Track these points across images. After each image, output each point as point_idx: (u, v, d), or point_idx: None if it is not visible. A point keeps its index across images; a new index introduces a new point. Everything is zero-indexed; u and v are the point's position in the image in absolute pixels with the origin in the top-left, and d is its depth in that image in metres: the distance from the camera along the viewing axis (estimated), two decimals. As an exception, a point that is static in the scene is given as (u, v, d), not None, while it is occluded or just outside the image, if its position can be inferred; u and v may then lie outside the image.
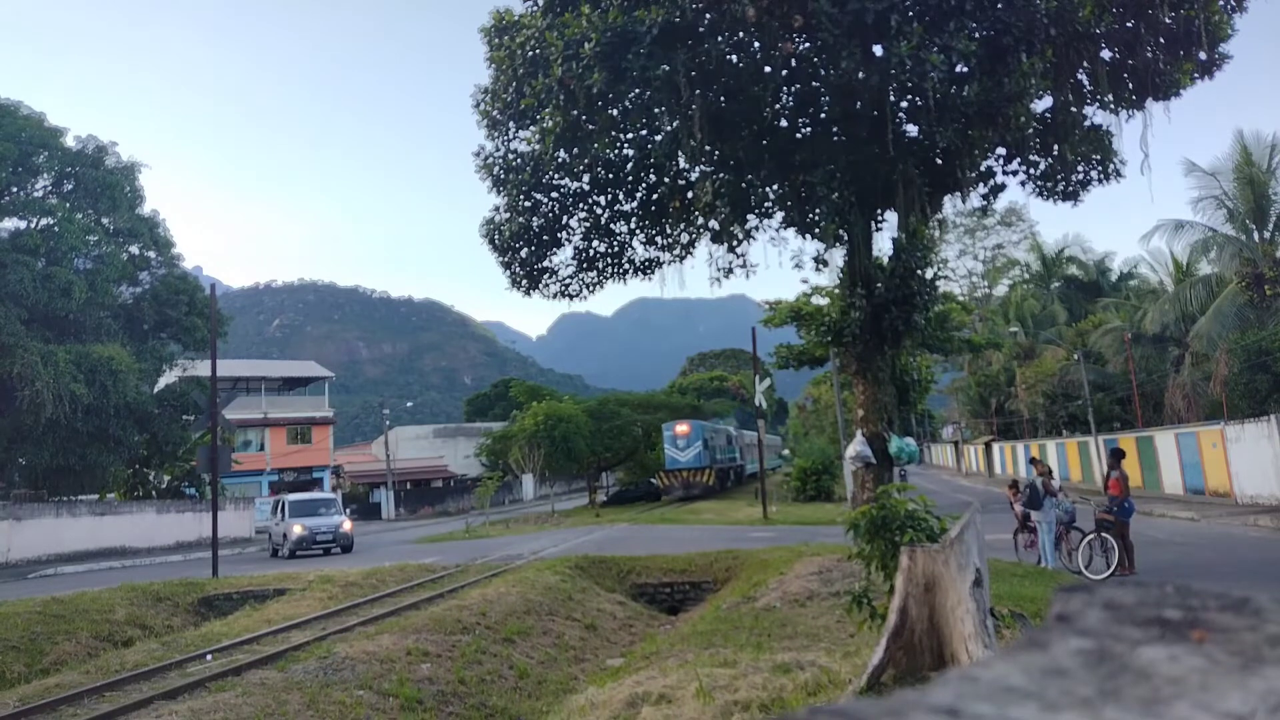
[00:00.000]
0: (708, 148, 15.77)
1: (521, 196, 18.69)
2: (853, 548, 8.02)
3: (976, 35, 13.26)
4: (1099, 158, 17.40)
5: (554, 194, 19.03)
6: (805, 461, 41.59)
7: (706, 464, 46.10)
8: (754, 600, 12.33)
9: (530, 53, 15.37)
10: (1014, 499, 15.78)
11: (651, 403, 59.52)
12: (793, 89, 16.04)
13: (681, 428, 46.88)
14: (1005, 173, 17.90)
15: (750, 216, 18.12)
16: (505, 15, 17.31)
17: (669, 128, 16.07)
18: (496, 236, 19.29)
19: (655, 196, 19.01)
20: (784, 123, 16.79)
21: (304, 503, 29.76)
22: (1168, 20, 14.68)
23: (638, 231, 19.86)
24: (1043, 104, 15.84)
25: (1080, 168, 17.52)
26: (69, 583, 21.23)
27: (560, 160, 17.62)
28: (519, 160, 18.55)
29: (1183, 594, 0.68)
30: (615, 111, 15.91)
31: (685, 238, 19.77)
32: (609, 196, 19.26)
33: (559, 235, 19.53)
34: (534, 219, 19.00)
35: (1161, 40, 15.11)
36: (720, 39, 14.66)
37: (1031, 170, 17.70)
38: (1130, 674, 0.58)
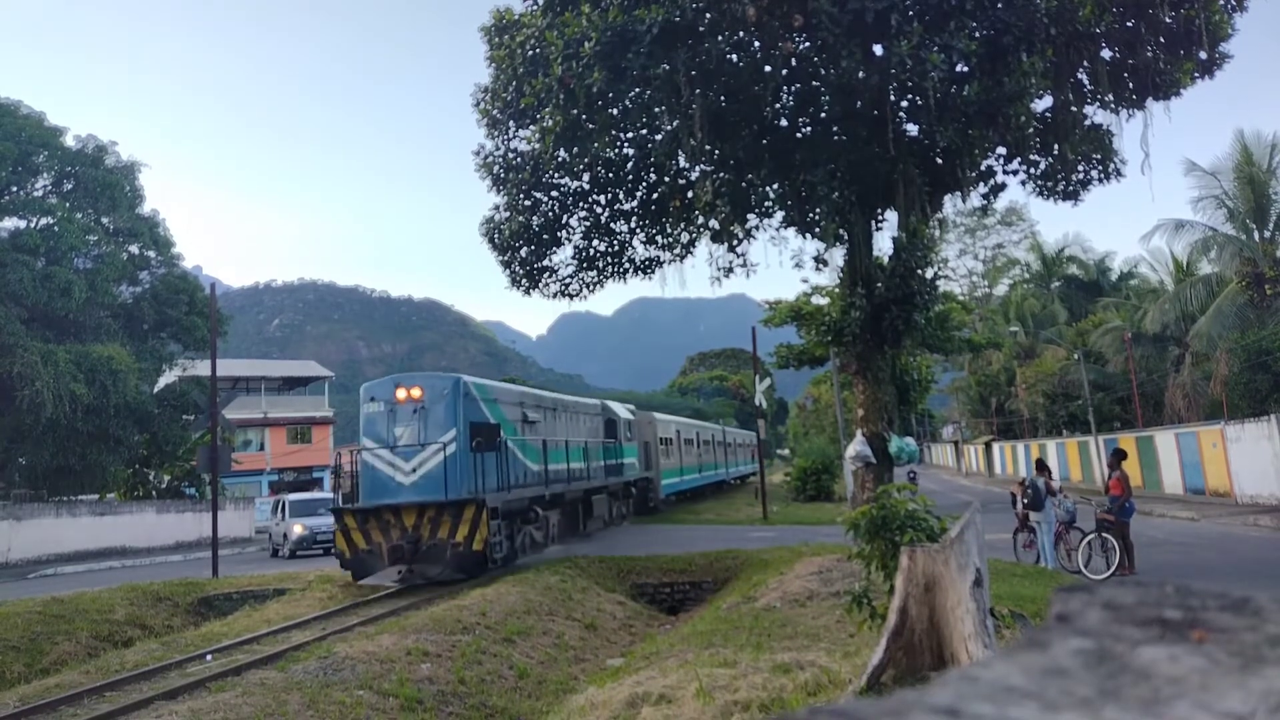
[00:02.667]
0: (708, 147, 15.78)
1: (521, 195, 18.72)
2: (853, 548, 8.02)
3: (976, 35, 13.26)
4: (1099, 157, 17.42)
5: (554, 193, 19.06)
6: (805, 461, 41.48)
7: (468, 493, 16.25)
8: (754, 600, 12.32)
9: (530, 52, 15.38)
10: (1022, 495, 15.78)
11: (651, 403, 59.40)
12: (793, 89, 16.05)
13: (409, 391, 16.99)
14: (1005, 172, 17.93)
15: (750, 216, 18.14)
16: (505, 14, 17.33)
17: (669, 127, 16.08)
18: (496, 235, 19.31)
19: (655, 196, 19.03)
20: (784, 122, 16.80)
21: (304, 502, 29.76)
22: (1168, 20, 14.69)
23: (638, 231, 19.89)
24: (1043, 104, 15.87)
25: (1080, 167, 17.54)
26: (69, 583, 21.23)
27: (560, 159, 17.64)
28: (519, 159, 18.57)
29: (1183, 594, 0.68)
30: (615, 111, 15.92)
31: (685, 237, 19.79)
32: (609, 196, 19.28)
33: (559, 234, 19.56)
34: (534, 218, 19.02)
35: (1161, 40, 15.12)
36: (720, 39, 14.66)
37: (1031, 170, 17.71)
38: (1130, 674, 0.58)
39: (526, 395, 21.06)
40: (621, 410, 28.38)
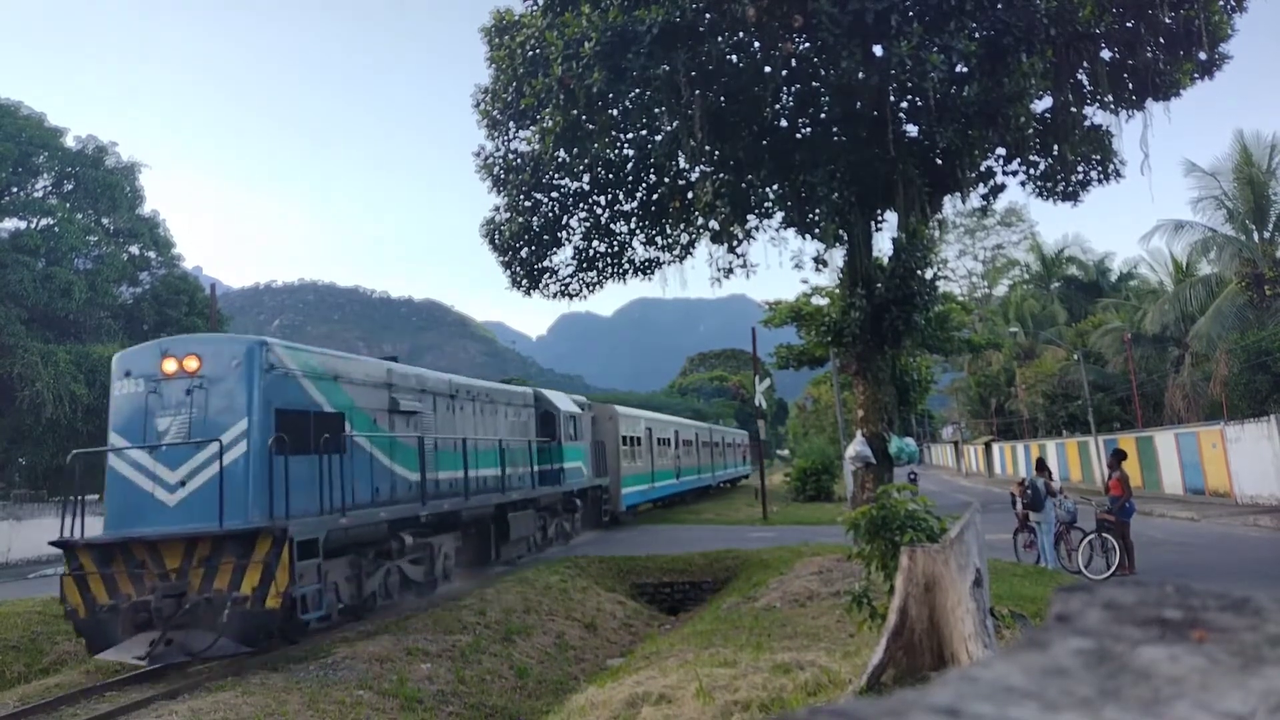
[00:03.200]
0: (708, 148, 15.79)
1: (522, 196, 18.73)
2: (853, 548, 8.02)
3: (976, 35, 13.27)
4: (1099, 158, 17.42)
5: (554, 194, 19.07)
6: (805, 462, 41.44)
7: (262, 517, 10.76)
8: (754, 600, 12.33)
9: (530, 52, 15.39)
10: (1022, 495, 15.81)
11: (651, 403, 59.26)
12: (793, 89, 16.05)
13: (180, 361, 11.28)
14: (1005, 173, 17.93)
15: (750, 216, 18.14)
16: (505, 15, 17.34)
17: (669, 128, 16.08)
18: (497, 236, 19.31)
19: (655, 196, 19.03)
20: (784, 123, 16.81)
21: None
22: (1168, 20, 14.70)
23: (638, 231, 19.89)
24: (1043, 104, 15.88)
25: (1080, 168, 17.55)
26: (69, 583, 21.20)
27: (560, 160, 17.64)
28: (519, 160, 18.58)
29: (1183, 594, 0.68)
30: (615, 111, 15.93)
31: (685, 238, 19.79)
32: (609, 196, 19.29)
33: (559, 235, 19.56)
34: (534, 219, 19.03)
35: (1161, 40, 15.13)
36: (720, 39, 14.67)
37: (1031, 170, 17.72)
38: (1130, 674, 0.58)
39: (399, 375, 14.80)
40: (564, 401, 22.76)
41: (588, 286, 20.32)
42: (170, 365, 11.29)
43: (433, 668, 10.20)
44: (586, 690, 8.47)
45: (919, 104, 14.61)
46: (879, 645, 5.61)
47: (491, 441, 17.50)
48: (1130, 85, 15.81)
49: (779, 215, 18.01)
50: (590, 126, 15.66)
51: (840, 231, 16.59)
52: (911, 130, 15.97)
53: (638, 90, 14.90)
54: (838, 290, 19.69)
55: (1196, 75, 15.55)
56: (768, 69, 15.26)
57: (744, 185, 17.09)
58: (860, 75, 14.63)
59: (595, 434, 25.10)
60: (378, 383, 13.98)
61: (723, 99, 15.53)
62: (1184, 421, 33.08)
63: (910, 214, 16.00)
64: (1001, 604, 8.29)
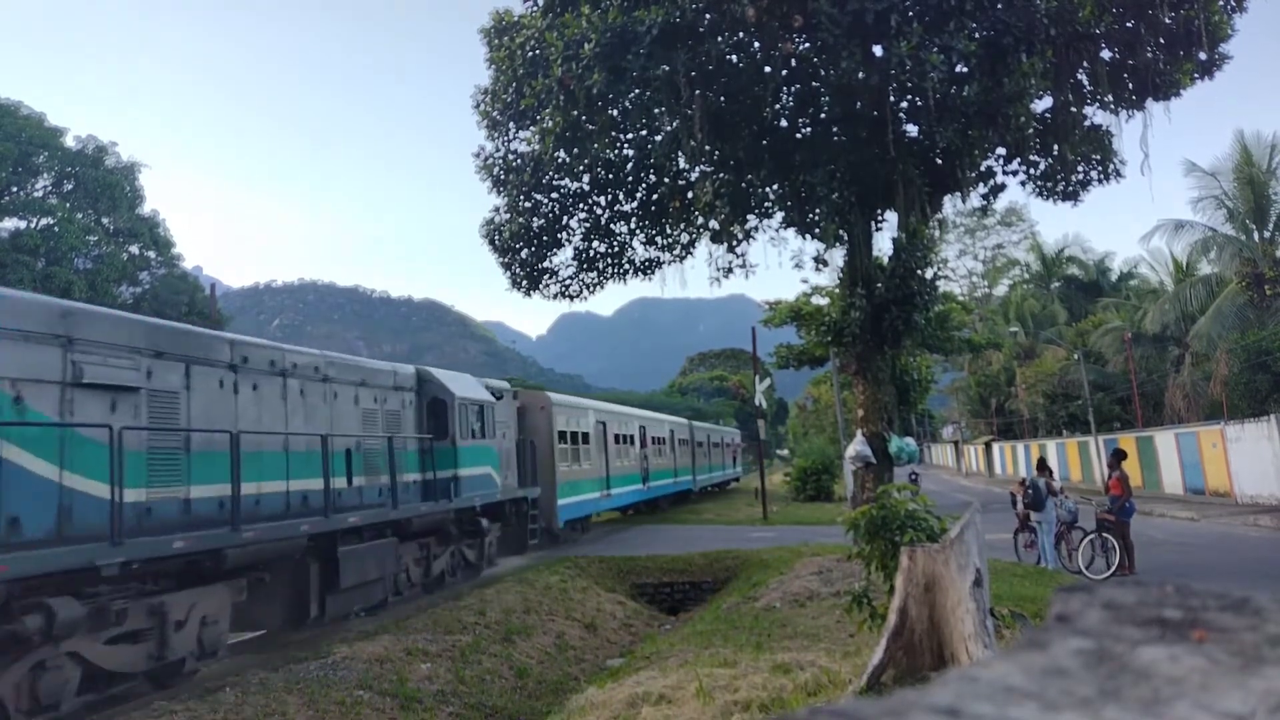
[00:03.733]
0: (708, 148, 15.78)
1: (521, 197, 18.72)
2: (853, 548, 8.02)
3: (976, 35, 13.26)
4: (1099, 158, 17.42)
5: (554, 194, 19.06)
6: (805, 461, 41.40)
7: None
8: (754, 600, 12.33)
9: (530, 53, 15.39)
10: (1021, 495, 15.82)
11: (651, 404, 59.20)
12: (793, 89, 16.05)
13: None
14: (1005, 173, 17.93)
15: (750, 216, 18.13)
16: (505, 16, 17.34)
17: (669, 128, 16.08)
18: (496, 237, 19.31)
19: (655, 196, 19.02)
20: (784, 123, 16.80)
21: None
22: (1168, 20, 14.70)
23: (638, 231, 19.88)
24: (1043, 104, 15.87)
25: (1080, 168, 17.54)
26: (69, 583, 21.17)
27: (560, 160, 17.63)
28: (519, 161, 18.58)
29: (1183, 594, 0.68)
30: (615, 111, 15.92)
31: (685, 238, 19.78)
32: (609, 196, 19.28)
33: (559, 235, 19.55)
34: (534, 219, 19.02)
35: (1161, 40, 15.13)
36: (720, 39, 14.67)
37: (1031, 170, 17.71)
38: (1130, 674, 0.58)
39: (91, 322, 8.75)
40: (464, 386, 16.44)
41: (588, 287, 20.31)
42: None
43: (432, 668, 10.20)
44: (586, 690, 8.47)
45: (919, 104, 14.60)
46: (879, 645, 5.61)
47: (312, 440, 11.57)
48: (1130, 85, 15.81)
49: (779, 215, 18.00)
50: (590, 127, 15.65)
51: (840, 231, 16.58)
52: (911, 130, 15.97)
53: (638, 90, 14.89)
54: (838, 290, 19.68)
55: (1196, 75, 15.55)
56: (768, 69, 15.25)
57: (744, 185, 17.07)
58: (860, 75, 14.63)
59: (524, 429, 19.89)
60: (34, 334, 7.99)
61: (723, 99, 15.53)
62: (1184, 421, 33.09)
63: (910, 214, 15.99)
64: (1001, 604, 8.29)
